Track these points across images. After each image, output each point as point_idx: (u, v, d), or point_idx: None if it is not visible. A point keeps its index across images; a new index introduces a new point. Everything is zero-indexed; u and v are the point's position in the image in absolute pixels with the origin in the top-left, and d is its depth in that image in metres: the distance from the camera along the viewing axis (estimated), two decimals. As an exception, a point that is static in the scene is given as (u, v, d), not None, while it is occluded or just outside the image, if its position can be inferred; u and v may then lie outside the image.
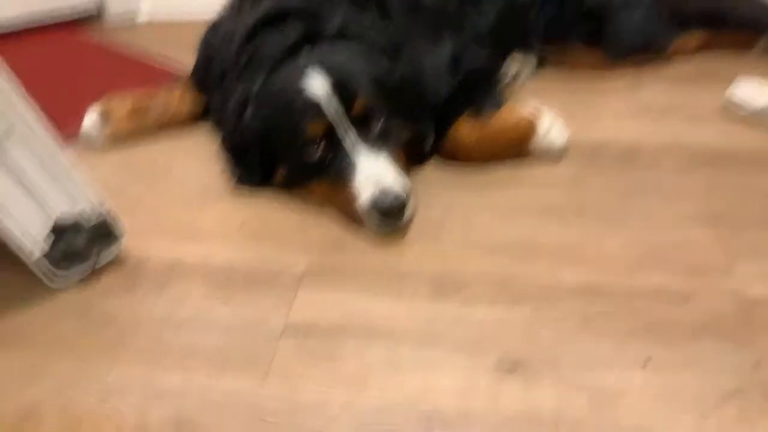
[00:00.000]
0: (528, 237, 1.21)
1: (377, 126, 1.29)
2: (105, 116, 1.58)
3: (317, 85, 1.26)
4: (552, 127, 1.44)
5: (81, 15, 2.53)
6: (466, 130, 1.42)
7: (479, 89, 1.58)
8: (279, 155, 1.33)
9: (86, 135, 1.59)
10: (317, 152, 1.27)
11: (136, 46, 2.31)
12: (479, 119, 1.44)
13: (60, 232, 1.08)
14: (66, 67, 2.16)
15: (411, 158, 1.41)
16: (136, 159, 1.53)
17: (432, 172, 1.45)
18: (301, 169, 1.31)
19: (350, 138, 1.26)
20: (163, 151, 1.56)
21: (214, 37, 1.64)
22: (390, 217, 1.20)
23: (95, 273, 1.14)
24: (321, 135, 1.25)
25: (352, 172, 1.24)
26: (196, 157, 1.52)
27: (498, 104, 1.55)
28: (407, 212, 1.23)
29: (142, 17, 2.62)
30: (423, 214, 1.28)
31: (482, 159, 1.44)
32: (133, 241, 1.19)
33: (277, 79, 1.31)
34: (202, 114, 1.67)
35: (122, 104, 1.60)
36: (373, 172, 1.23)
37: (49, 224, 1.07)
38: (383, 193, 1.20)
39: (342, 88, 1.26)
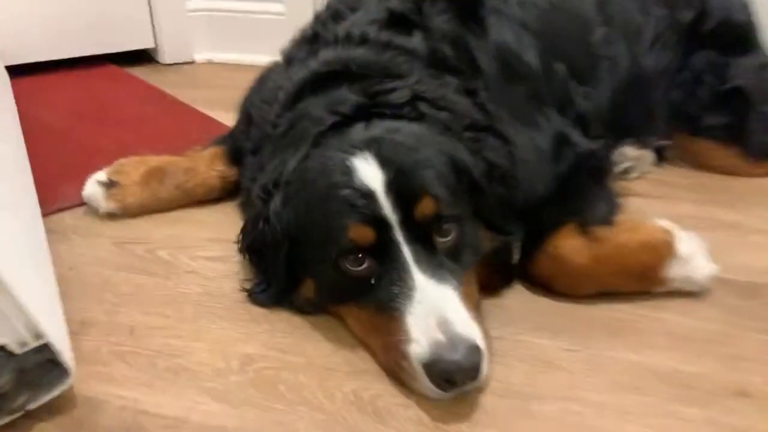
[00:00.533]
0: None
1: (446, 239, 0.92)
2: (112, 185, 1.27)
3: (369, 174, 0.90)
4: (693, 252, 1.02)
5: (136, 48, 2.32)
6: (572, 244, 1.03)
7: (587, 189, 1.19)
8: (308, 263, 0.97)
9: (88, 204, 1.29)
10: (359, 266, 0.90)
11: (185, 89, 2.05)
12: (590, 231, 1.04)
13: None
14: (105, 103, 1.94)
15: (487, 280, 1.02)
16: (133, 244, 1.21)
17: (516, 305, 1.05)
18: (334, 286, 0.95)
19: (407, 253, 0.89)
20: (171, 235, 1.24)
21: (259, 93, 1.32)
22: (454, 381, 0.81)
23: (26, 419, 0.80)
24: (367, 244, 0.89)
25: (403, 303, 0.86)
26: (209, 249, 1.19)
27: (612, 211, 1.15)
28: (480, 375, 0.84)
29: (200, 57, 2.38)
30: (501, 376, 0.88)
31: (592, 289, 1.04)
32: (90, 374, 0.85)
33: (318, 161, 0.96)
34: (235, 189, 1.33)
35: (135, 168, 1.30)
36: (435, 307, 0.85)
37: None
38: (449, 344, 0.81)
39: (402, 183, 0.90)
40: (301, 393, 0.87)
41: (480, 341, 0.84)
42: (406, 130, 0.97)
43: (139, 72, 2.24)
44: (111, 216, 1.28)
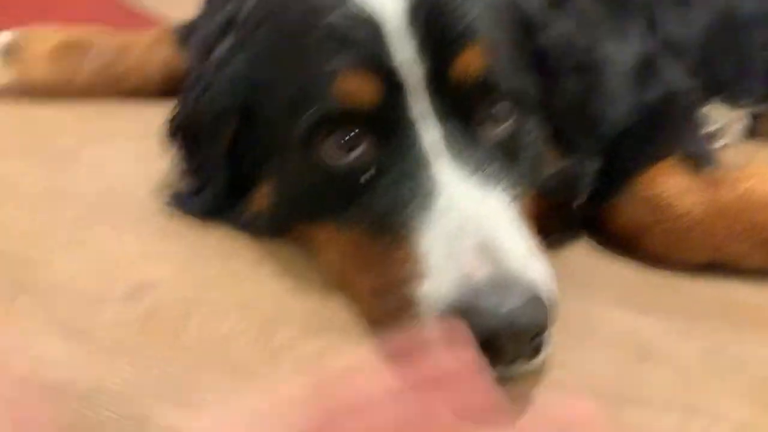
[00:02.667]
0: None
1: (499, 127, 0.56)
2: (12, 50, 0.90)
3: None
4: None
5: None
6: (677, 183, 0.67)
7: (684, 127, 0.83)
8: (266, 147, 0.60)
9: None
10: (349, 151, 0.54)
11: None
12: (702, 169, 0.68)
13: None
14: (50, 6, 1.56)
15: (544, 218, 0.65)
16: (22, 122, 0.83)
17: (585, 267, 0.68)
18: (304, 188, 0.58)
19: (430, 129, 0.52)
20: (78, 120, 0.86)
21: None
22: (497, 351, 0.44)
23: None
24: (366, 107, 0.52)
25: (417, 213, 0.49)
26: (133, 141, 0.81)
27: (713, 160, 0.80)
28: (544, 349, 0.46)
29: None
30: (573, 365, 0.52)
31: (701, 253, 0.67)
32: None
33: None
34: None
35: (48, 38, 0.93)
36: (472, 221, 0.48)
37: None
38: (492, 284, 0.44)
39: (434, 14, 0.53)
40: (224, 350, 0.49)
41: (549, 289, 0.47)
42: None
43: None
44: (10, 93, 0.90)
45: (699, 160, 0.71)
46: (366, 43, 0.52)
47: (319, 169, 0.55)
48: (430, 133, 0.52)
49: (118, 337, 0.48)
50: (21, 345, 0.47)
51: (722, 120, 1.12)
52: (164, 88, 0.95)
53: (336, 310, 0.55)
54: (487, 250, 0.46)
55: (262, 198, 0.62)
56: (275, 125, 0.58)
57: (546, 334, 0.46)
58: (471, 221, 0.48)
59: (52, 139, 0.80)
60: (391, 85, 0.52)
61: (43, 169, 0.73)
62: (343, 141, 0.54)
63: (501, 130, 0.56)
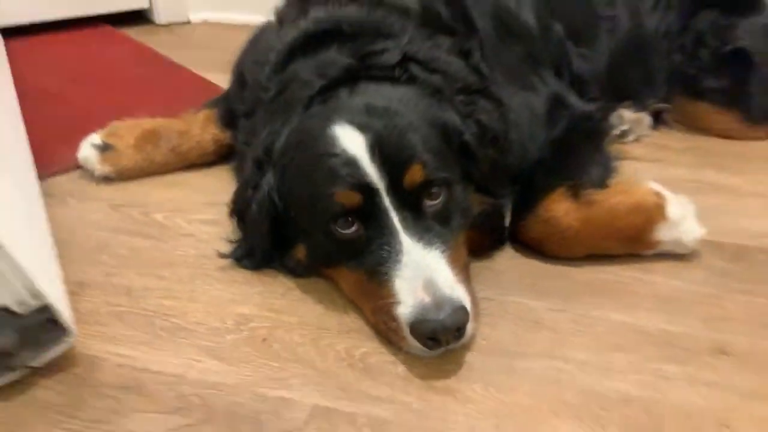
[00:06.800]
0: (641, 399, 0.81)
1: (435, 202, 0.93)
2: (107, 148, 1.28)
3: (351, 141, 0.90)
4: (684, 215, 1.03)
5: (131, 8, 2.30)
6: (563, 208, 1.03)
7: (582, 152, 1.19)
8: (299, 229, 0.99)
9: (83, 168, 1.30)
10: (348, 229, 0.91)
11: (180, 50, 2.03)
12: (582, 194, 1.04)
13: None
14: (100, 65, 1.93)
15: (477, 244, 1.03)
16: (129, 207, 1.22)
17: (505, 267, 1.06)
18: (325, 250, 0.96)
19: (394, 217, 0.89)
20: (166, 199, 1.25)
21: (252, 54, 1.31)
22: (439, 340, 0.83)
23: (33, 377, 0.83)
24: (355, 206, 0.90)
25: (392, 267, 0.87)
26: (205, 212, 1.20)
27: (607, 175, 1.16)
28: (465, 335, 0.86)
29: (195, 17, 2.35)
30: (488, 336, 0.91)
31: (582, 251, 1.05)
32: (89, 333, 0.89)
33: (305, 132, 0.96)
34: (228, 152, 1.33)
35: (130, 132, 1.30)
36: (422, 270, 0.86)
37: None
38: (434, 305, 0.83)
39: (387, 148, 0.90)
40: (294, 351, 0.89)
41: (466, 302, 0.85)
42: (390, 94, 0.96)
43: (134, 33, 2.22)
44: (106, 179, 1.29)
45: (584, 184, 1.07)
46: (349, 172, 0.88)
47: (333, 239, 0.93)
48: (393, 219, 0.89)
49: (236, 354, 0.88)
50: (186, 363, 0.87)
51: (629, 121, 1.48)
52: (215, 158, 1.34)
53: (355, 320, 0.94)
54: (430, 285, 0.84)
55: (300, 252, 1.01)
56: (302, 213, 0.96)
57: (465, 329, 0.85)
58: (421, 270, 0.86)
59: (151, 215, 1.19)
60: (368, 193, 0.89)
61: (151, 241, 1.12)
62: (344, 222, 0.91)
63: (437, 204, 0.92)
